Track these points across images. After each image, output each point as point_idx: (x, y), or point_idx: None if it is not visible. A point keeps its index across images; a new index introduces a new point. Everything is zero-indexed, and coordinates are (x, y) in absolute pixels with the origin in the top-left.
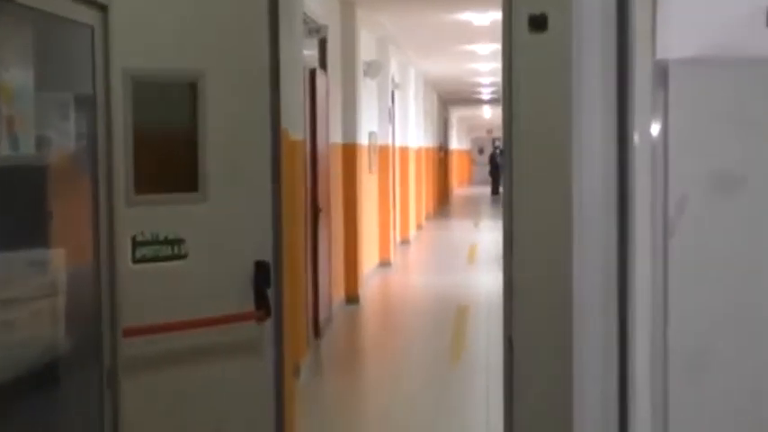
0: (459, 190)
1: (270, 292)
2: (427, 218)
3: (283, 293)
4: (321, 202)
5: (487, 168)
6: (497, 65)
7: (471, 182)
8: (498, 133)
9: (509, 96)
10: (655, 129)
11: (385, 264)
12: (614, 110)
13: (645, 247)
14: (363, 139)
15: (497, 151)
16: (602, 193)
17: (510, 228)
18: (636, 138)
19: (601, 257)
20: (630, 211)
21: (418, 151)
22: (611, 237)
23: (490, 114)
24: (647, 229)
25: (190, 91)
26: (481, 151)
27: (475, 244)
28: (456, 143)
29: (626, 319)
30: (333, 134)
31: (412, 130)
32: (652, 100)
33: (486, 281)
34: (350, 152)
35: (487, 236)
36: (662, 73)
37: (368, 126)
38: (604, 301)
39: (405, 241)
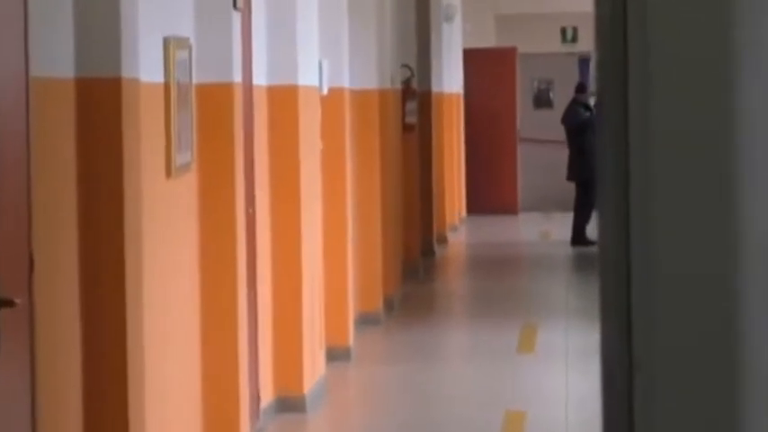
0: (469, 226)
1: None
2: (368, 320)
3: None
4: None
5: (563, 157)
6: None
7: (514, 204)
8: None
9: None
10: None
11: None
12: None
13: None
14: (146, 69)
15: (585, 98)
16: None
17: (627, 354)
18: None
19: None
20: None
21: (335, 100)
22: None
23: None
24: None
25: None
26: (541, 100)
27: (520, 413)
28: (457, 79)
29: None
30: (40, 57)
31: (307, 33)
32: None
33: None
34: (101, 105)
35: (559, 377)
36: None
37: (160, 23)
38: None
39: (290, 410)
